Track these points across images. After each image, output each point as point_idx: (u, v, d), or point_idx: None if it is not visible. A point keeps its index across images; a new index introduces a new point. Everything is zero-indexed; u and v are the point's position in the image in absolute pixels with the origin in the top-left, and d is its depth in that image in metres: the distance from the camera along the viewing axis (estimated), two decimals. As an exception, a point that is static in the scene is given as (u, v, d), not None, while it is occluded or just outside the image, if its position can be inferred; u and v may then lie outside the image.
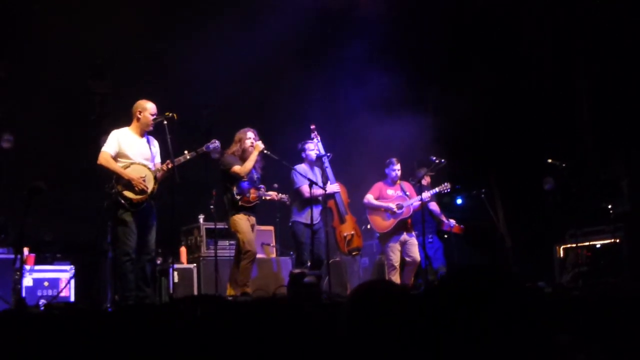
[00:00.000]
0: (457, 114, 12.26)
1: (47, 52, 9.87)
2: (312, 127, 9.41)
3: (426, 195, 9.79)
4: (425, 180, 10.09)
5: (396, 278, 9.58)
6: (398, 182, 9.90)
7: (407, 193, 9.85)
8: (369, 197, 9.89)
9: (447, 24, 12.41)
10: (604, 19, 11.09)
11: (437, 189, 9.91)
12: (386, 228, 9.77)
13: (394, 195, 9.83)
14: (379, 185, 10.00)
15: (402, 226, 9.73)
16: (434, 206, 10.46)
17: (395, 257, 9.65)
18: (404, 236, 9.72)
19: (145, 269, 7.56)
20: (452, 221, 10.37)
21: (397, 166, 9.86)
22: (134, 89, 8.62)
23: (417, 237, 9.78)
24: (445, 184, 9.92)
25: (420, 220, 9.46)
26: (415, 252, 9.64)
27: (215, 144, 8.08)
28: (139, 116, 7.69)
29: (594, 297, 7.16)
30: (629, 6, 10.66)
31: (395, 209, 9.67)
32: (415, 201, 9.70)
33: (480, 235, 11.00)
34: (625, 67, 10.76)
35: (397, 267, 9.64)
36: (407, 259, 9.67)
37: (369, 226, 10.08)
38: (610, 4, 10.95)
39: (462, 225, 10.41)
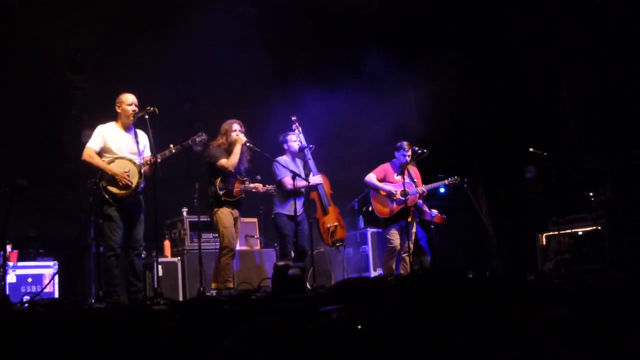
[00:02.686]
0: (439, 103, 12.31)
1: (25, 47, 9.79)
2: (294, 118, 9.40)
3: (429, 186, 9.77)
4: (413, 169, 10.08)
5: (392, 261, 9.57)
6: (407, 167, 9.58)
7: (415, 180, 9.66)
8: (372, 177, 9.72)
9: (431, 14, 12.42)
10: (585, 9, 11.15)
11: (445, 181, 9.86)
12: (387, 214, 9.67)
13: (400, 181, 9.56)
14: (385, 166, 9.84)
15: (405, 214, 9.44)
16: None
17: (395, 242, 9.58)
18: (404, 223, 9.47)
19: (134, 263, 7.56)
20: (434, 211, 10.34)
21: (409, 152, 9.61)
22: (115, 84, 8.58)
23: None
24: (455, 177, 9.89)
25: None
26: (407, 240, 9.57)
27: (202, 137, 8.05)
28: (119, 110, 7.68)
29: (576, 284, 7.23)
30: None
31: (398, 195, 9.49)
32: (418, 192, 9.62)
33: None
34: (606, 56, 10.82)
35: (396, 249, 9.58)
36: (405, 247, 9.60)
37: (370, 208, 10.00)
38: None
39: (444, 216, 10.40)
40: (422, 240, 10.53)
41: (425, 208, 10.33)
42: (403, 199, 9.34)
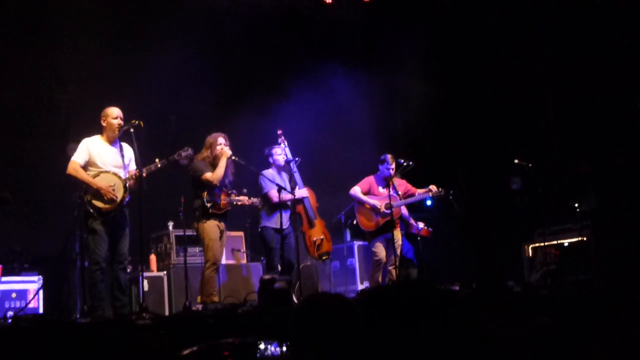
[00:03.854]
0: (424, 115, 12.37)
1: (11, 61, 9.77)
2: (279, 132, 9.39)
3: (420, 194, 9.74)
4: (398, 181, 10.08)
5: (379, 273, 9.55)
6: (391, 180, 9.57)
7: (399, 192, 9.63)
8: (356, 190, 9.68)
9: (415, 26, 12.49)
10: (567, 18, 11.24)
11: (430, 193, 9.81)
12: (372, 227, 9.60)
13: (384, 193, 9.56)
14: (369, 179, 9.80)
15: (390, 226, 9.44)
16: (403, 209, 10.38)
17: (381, 254, 9.53)
18: (390, 236, 9.48)
19: (120, 277, 7.51)
20: (421, 224, 10.33)
21: (393, 165, 9.59)
22: (99, 98, 8.56)
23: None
24: (440, 188, 9.85)
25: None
26: (393, 252, 9.56)
27: (188, 151, 8.03)
28: (104, 124, 7.65)
29: (562, 295, 7.25)
30: (592, 6, 10.83)
31: (383, 208, 9.47)
32: (403, 204, 9.63)
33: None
34: (589, 67, 10.90)
35: (382, 262, 9.55)
36: (388, 257, 9.59)
37: (355, 221, 9.98)
38: (575, 8, 11.10)
39: (430, 229, 10.39)
40: (409, 252, 10.53)
41: (412, 221, 10.32)
42: (388, 211, 9.36)
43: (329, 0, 12.62)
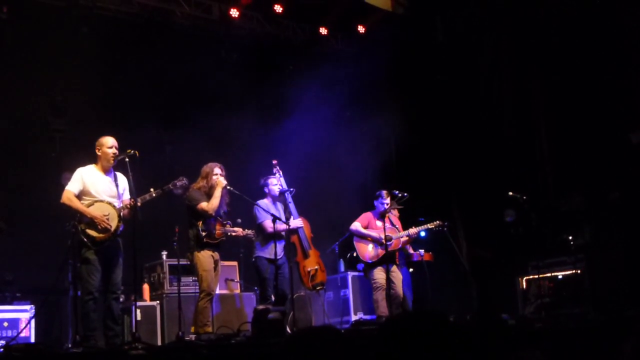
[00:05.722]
0: (418, 147, 12.42)
1: (6, 90, 9.79)
2: (275, 162, 9.42)
3: (413, 230, 9.80)
4: (394, 215, 10.13)
5: (383, 297, 9.54)
6: (387, 214, 9.77)
7: (396, 226, 9.81)
8: (357, 225, 9.85)
9: (406, 57, 12.58)
10: (561, 49, 11.32)
11: (430, 225, 9.88)
12: (372, 258, 9.68)
13: (382, 227, 9.67)
14: (367, 215, 9.97)
15: (389, 258, 9.57)
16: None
17: (381, 280, 9.56)
18: (390, 268, 9.58)
19: (112, 307, 7.47)
20: (421, 250, 10.38)
21: (387, 200, 9.79)
22: (95, 127, 8.58)
23: (401, 270, 9.84)
24: (438, 222, 9.92)
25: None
26: (398, 287, 9.59)
27: (183, 181, 8.05)
28: (99, 153, 7.66)
29: (556, 327, 7.24)
30: (586, 35, 10.91)
31: (384, 241, 9.57)
32: (404, 235, 9.71)
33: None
34: (583, 100, 10.96)
35: (383, 286, 9.56)
36: (391, 291, 9.60)
37: (354, 254, 9.99)
38: (568, 33, 11.19)
39: (430, 252, 10.44)
40: (404, 284, 10.51)
41: (411, 250, 10.35)
42: (389, 243, 9.51)
43: (325, 33, 12.73)
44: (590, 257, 10.04)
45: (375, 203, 9.94)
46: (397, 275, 9.66)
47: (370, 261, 9.72)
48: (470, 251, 11.75)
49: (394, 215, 10.01)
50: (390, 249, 9.56)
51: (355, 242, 9.89)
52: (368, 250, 9.74)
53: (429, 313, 2.33)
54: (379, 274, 9.61)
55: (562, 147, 11.34)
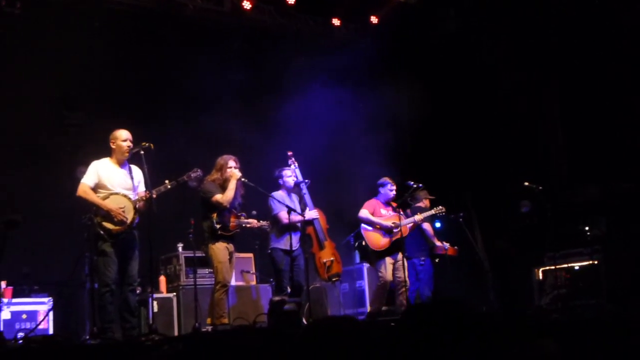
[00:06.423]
0: (433, 137, 12.39)
1: (21, 84, 9.83)
2: (290, 153, 9.40)
3: (419, 217, 9.80)
4: (424, 203, 10.14)
5: (383, 294, 9.56)
6: (392, 202, 9.80)
7: (401, 212, 9.75)
8: (365, 212, 9.79)
9: (422, 49, 12.55)
10: (575, 40, 11.25)
11: (432, 211, 9.90)
12: (382, 246, 9.65)
13: (387, 215, 9.76)
14: (373, 202, 9.92)
15: (397, 246, 9.59)
16: (427, 227, 10.35)
17: (387, 273, 9.57)
18: (397, 256, 9.63)
19: (129, 299, 7.50)
20: (446, 244, 10.35)
21: (394, 187, 9.84)
22: (109, 120, 8.61)
23: (408, 260, 9.82)
24: (440, 207, 9.92)
25: (411, 242, 9.72)
26: (401, 273, 9.58)
27: (197, 172, 8.06)
28: (113, 146, 7.68)
29: (573, 318, 7.22)
30: (602, 28, 10.83)
31: (393, 227, 9.59)
32: (410, 222, 9.70)
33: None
34: (598, 90, 10.90)
35: (388, 283, 9.59)
36: (397, 279, 9.62)
37: (363, 242, 9.96)
38: (583, 26, 11.12)
39: (456, 247, 10.42)
40: (426, 275, 10.45)
41: (436, 241, 10.33)
42: (396, 230, 9.50)
43: (337, 23, 12.72)
44: (607, 248, 9.98)
45: (382, 190, 9.94)
46: (402, 262, 9.65)
47: (381, 249, 9.69)
48: (495, 243, 11.70)
49: (394, 203, 9.92)
50: (397, 236, 9.56)
51: (363, 232, 9.84)
52: (379, 239, 9.71)
53: (453, 302, 2.33)
54: (386, 269, 9.60)
55: (578, 137, 11.28)
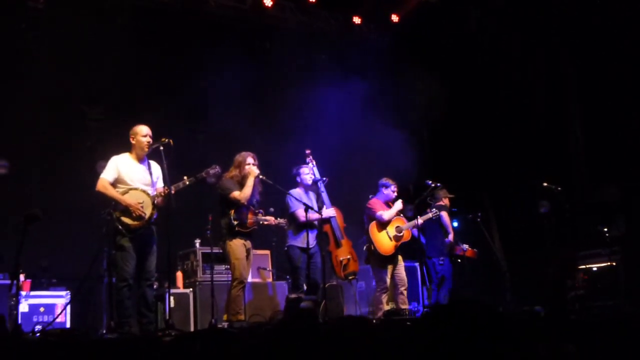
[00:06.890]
0: (452, 137, 12.35)
1: (42, 79, 9.88)
2: (308, 151, 9.40)
3: (421, 220, 9.70)
4: (443, 202, 10.11)
5: (385, 299, 9.56)
6: (390, 203, 9.74)
7: (402, 215, 9.73)
8: (382, 212, 9.62)
9: (439, 47, 12.52)
10: (596, 39, 11.18)
11: (428, 215, 9.74)
12: (390, 251, 9.57)
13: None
14: (377, 202, 9.82)
15: (398, 252, 9.62)
16: (444, 217, 10.22)
17: (389, 280, 9.55)
18: (397, 258, 9.62)
19: (146, 294, 7.54)
20: (465, 245, 10.30)
21: (396, 188, 9.78)
22: (129, 116, 8.64)
23: (428, 260, 9.96)
24: (434, 210, 9.80)
25: (431, 243, 9.85)
26: (403, 274, 9.56)
27: (216, 169, 8.07)
28: (133, 141, 7.72)
29: (591, 320, 7.17)
30: (620, 29, 10.76)
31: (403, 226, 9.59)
32: (411, 225, 9.65)
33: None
34: (617, 91, 10.83)
35: (387, 288, 9.57)
36: (398, 282, 9.58)
37: (372, 247, 9.86)
38: (603, 26, 11.05)
39: (475, 249, 10.36)
40: (446, 274, 10.39)
41: (451, 237, 10.27)
42: (400, 234, 9.53)
43: (358, 21, 12.71)
44: (626, 249, 9.92)
45: (384, 191, 9.85)
46: (401, 263, 9.63)
47: (387, 255, 9.58)
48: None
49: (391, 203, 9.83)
50: (402, 240, 9.54)
51: (372, 235, 9.62)
52: (387, 244, 9.60)
53: (470, 302, 2.32)
54: (388, 274, 9.56)
55: (597, 137, 11.22)
